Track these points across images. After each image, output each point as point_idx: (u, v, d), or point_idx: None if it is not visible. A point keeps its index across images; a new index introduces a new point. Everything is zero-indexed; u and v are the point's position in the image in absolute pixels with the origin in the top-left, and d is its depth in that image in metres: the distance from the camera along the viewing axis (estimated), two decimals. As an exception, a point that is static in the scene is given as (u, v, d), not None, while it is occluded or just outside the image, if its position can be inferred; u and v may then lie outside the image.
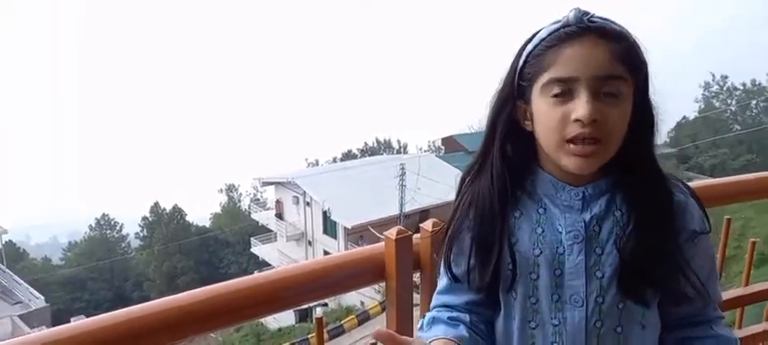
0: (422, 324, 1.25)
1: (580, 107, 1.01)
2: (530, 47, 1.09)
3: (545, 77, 1.05)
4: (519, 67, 1.11)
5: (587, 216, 1.10)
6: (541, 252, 1.12)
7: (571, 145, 1.04)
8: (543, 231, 1.13)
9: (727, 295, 2.16)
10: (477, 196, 1.18)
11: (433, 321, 1.23)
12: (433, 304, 1.29)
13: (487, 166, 1.17)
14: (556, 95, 1.04)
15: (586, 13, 1.04)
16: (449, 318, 1.21)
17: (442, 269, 1.27)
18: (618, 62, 1.02)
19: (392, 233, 1.49)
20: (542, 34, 1.08)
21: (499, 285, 1.16)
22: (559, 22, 1.06)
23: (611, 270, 1.08)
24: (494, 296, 1.19)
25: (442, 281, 1.28)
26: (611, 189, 1.11)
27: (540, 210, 1.14)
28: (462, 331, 1.19)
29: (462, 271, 1.21)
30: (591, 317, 1.09)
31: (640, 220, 1.07)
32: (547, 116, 1.06)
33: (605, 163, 1.07)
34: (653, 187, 1.10)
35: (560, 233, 1.11)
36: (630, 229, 1.07)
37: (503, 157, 1.15)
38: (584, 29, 1.03)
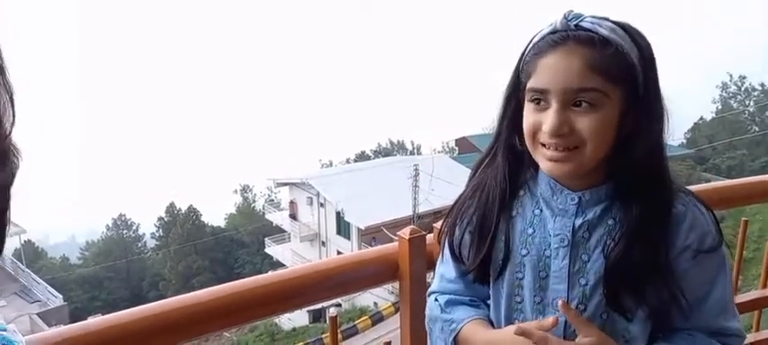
0: (440, 307, 1.27)
1: (548, 119, 1.03)
2: (525, 53, 1.11)
3: (528, 85, 1.08)
4: (519, 71, 1.12)
5: (578, 222, 1.10)
6: (528, 253, 1.13)
7: (544, 149, 1.06)
8: (534, 231, 1.14)
9: (744, 297, 2.14)
10: (483, 185, 1.21)
11: (453, 302, 1.26)
12: (436, 290, 1.32)
13: (497, 159, 1.19)
14: (533, 102, 1.07)
15: (577, 17, 1.04)
16: (470, 300, 1.26)
17: (442, 248, 1.30)
18: (592, 72, 1.00)
19: (406, 232, 1.50)
20: (535, 40, 1.09)
21: (488, 274, 1.19)
22: (550, 26, 1.07)
23: (595, 279, 1.07)
24: (484, 278, 1.21)
25: (442, 269, 1.31)
26: (610, 196, 1.10)
27: (536, 211, 1.15)
28: (486, 310, 1.23)
29: (458, 243, 1.24)
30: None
31: (630, 230, 1.05)
32: (526, 120, 1.09)
33: (604, 165, 1.07)
34: (649, 196, 1.06)
35: (550, 236, 1.12)
36: (619, 238, 1.06)
37: (506, 154, 1.17)
38: (565, 37, 1.03)
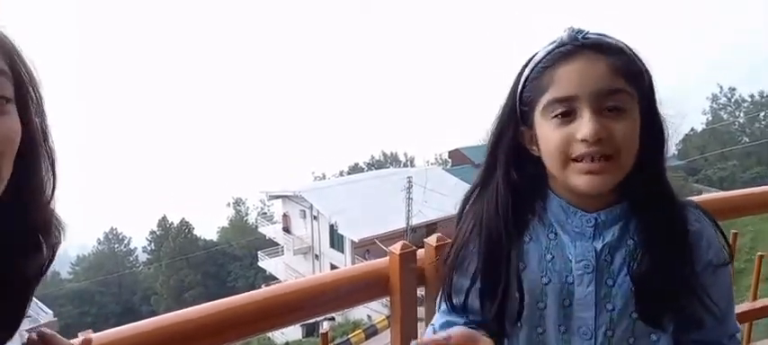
0: (433, 329, 1.23)
1: (584, 126, 0.97)
2: (527, 71, 1.07)
3: (545, 99, 1.02)
4: (518, 92, 1.08)
5: (599, 245, 1.06)
6: (550, 281, 1.08)
7: (579, 163, 1.00)
8: (553, 258, 1.08)
9: (736, 309, 2.15)
10: (481, 222, 1.14)
11: (448, 324, 1.20)
12: (436, 322, 1.26)
13: (490, 192, 1.14)
14: (557, 116, 1.01)
15: (580, 31, 1.02)
16: (464, 323, 1.19)
17: (441, 296, 1.24)
18: (617, 75, 0.99)
19: (396, 248, 1.50)
20: (538, 57, 1.05)
21: (504, 315, 1.12)
22: (554, 42, 1.04)
23: (622, 303, 1.05)
24: (501, 322, 1.14)
25: (442, 306, 1.25)
26: (626, 215, 1.07)
27: (551, 235, 1.10)
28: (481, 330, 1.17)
29: (461, 300, 1.18)
30: None
31: (652, 248, 1.03)
32: (551, 138, 1.02)
33: (619, 184, 1.03)
34: (665, 214, 1.05)
35: (570, 261, 1.07)
36: (643, 257, 1.03)
37: (507, 182, 1.11)
38: (579, 46, 1.01)
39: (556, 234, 1.10)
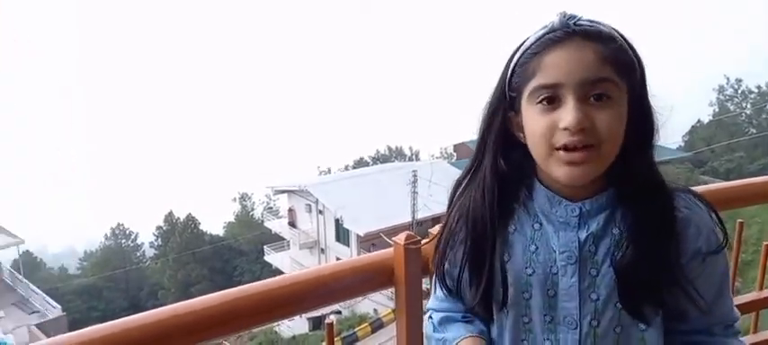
0: (433, 325, 1.25)
1: (567, 115, 0.96)
2: (517, 56, 1.06)
3: (531, 85, 1.01)
4: (508, 77, 1.07)
5: (583, 235, 1.05)
6: (534, 272, 1.08)
7: (561, 153, 0.99)
8: (537, 248, 1.09)
9: (742, 299, 2.14)
10: (468, 210, 1.15)
11: (447, 320, 1.22)
12: (432, 308, 1.28)
13: (479, 179, 1.14)
14: (542, 102, 1.00)
15: (572, 17, 1.01)
16: (462, 316, 1.21)
17: (436, 280, 1.26)
18: (605, 64, 0.97)
19: (401, 238, 1.49)
20: (528, 42, 1.04)
21: (491, 301, 1.13)
22: (545, 27, 1.03)
23: (605, 293, 1.04)
24: (487, 309, 1.16)
25: (437, 291, 1.27)
26: (611, 204, 1.06)
27: (536, 226, 1.10)
28: (480, 325, 1.19)
29: (454, 285, 1.19)
30: (584, 340, 1.06)
31: (636, 238, 1.02)
32: (535, 124, 1.02)
33: (603, 174, 1.03)
34: (652, 203, 1.04)
35: (554, 252, 1.07)
36: (626, 248, 1.02)
37: (495, 170, 1.11)
38: (570, 33, 0.99)
39: (541, 224, 1.10)
